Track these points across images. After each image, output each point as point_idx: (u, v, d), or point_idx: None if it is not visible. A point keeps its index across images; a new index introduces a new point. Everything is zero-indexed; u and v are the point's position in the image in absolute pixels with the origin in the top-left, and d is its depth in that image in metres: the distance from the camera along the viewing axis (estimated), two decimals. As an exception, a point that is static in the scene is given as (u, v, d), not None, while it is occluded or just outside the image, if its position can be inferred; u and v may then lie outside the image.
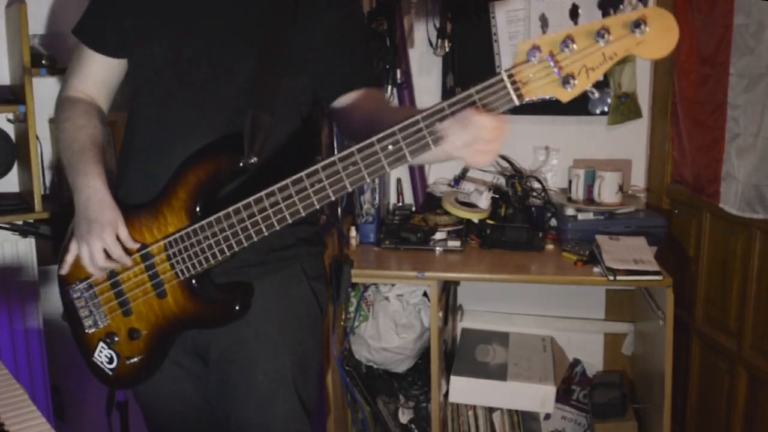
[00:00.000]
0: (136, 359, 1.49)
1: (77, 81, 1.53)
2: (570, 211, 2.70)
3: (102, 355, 1.51)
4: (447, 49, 2.80)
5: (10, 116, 2.26)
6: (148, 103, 1.48)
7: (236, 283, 1.46)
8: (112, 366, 1.51)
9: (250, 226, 1.32)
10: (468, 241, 2.68)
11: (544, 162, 2.92)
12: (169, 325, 1.45)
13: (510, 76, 1.12)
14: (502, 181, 2.90)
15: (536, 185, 2.82)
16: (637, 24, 1.04)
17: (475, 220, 2.69)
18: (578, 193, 2.72)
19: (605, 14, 1.10)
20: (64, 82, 1.55)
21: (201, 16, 1.44)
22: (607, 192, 2.68)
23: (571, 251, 2.49)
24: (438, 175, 2.98)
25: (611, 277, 2.28)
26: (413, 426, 2.75)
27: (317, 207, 1.27)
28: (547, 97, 1.14)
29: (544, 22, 1.10)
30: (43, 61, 2.16)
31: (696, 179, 2.47)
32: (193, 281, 1.42)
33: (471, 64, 2.83)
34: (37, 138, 2.15)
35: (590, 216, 2.67)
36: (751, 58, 2.16)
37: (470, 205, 2.72)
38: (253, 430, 1.53)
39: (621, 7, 1.07)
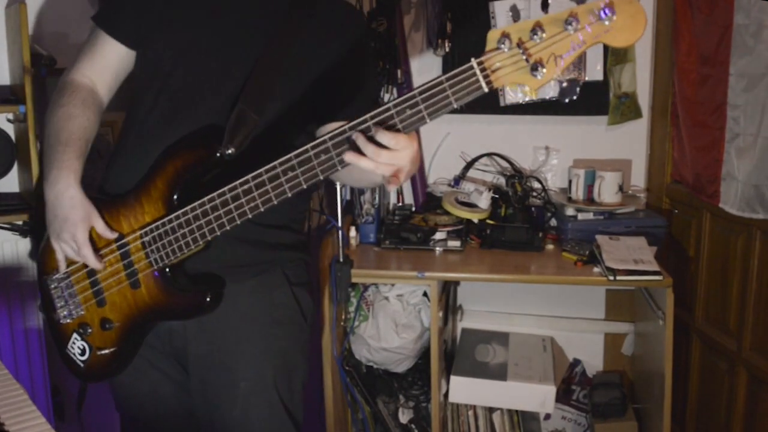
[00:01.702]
0: (107, 351, 1.49)
1: (86, 64, 1.52)
2: (570, 211, 2.70)
3: (75, 346, 1.51)
4: (447, 49, 2.80)
5: (10, 116, 2.26)
6: (148, 96, 1.48)
7: (208, 275, 1.45)
8: (84, 358, 1.51)
9: (223, 215, 1.32)
10: (468, 241, 2.68)
11: (544, 162, 2.92)
12: (141, 315, 1.45)
13: (480, 64, 1.14)
14: (502, 181, 2.90)
15: (536, 185, 2.83)
16: (605, 11, 1.06)
17: (475, 220, 2.69)
18: (578, 193, 2.72)
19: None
20: (72, 63, 1.53)
21: (214, 15, 1.45)
22: (607, 192, 2.68)
23: (571, 251, 2.50)
24: (438, 175, 2.98)
25: (611, 277, 2.28)
26: (413, 426, 2.75)
27: (289, 195, 1.27)
28: (521, 97, 1.15)
29: (515, 13, 1.13)
30: (43, 61, 2.16)
31: (696, 179, 2.47)
32: (167, 270, 1.41)
33: (471, 64, 2.82)
34: (37, 138, 2.15)
35: (590, 216, 2.67)
36: (750, 58, 2.16)
37: (470, 205, 2.72)
38: None
39: None
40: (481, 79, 1.14)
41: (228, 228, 1.33)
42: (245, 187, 1.30)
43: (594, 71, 2.76)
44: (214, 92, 1.43)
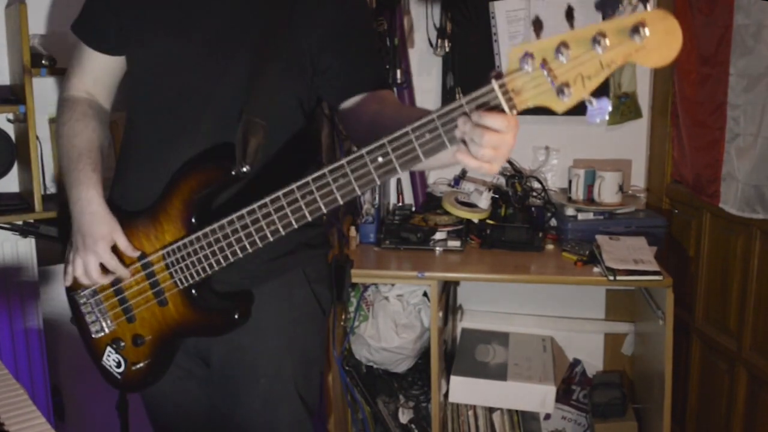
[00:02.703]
0: (141, 364, 1.49)
1: (77, 79, 1.52)
2: (570, 211, 2.70)
3: (110, 359, 1.51)
4: (447, 49, 2.80)
5: (10, 116, 2.26)
6: (144, 105, 1.47)
7: (236, 291, 1.45)
8: (121, 370, 1.51)
9: (244, 238, 1.31)
10: (468, 241, 2.68)
11: (544, 162, 2.92)
12: (171, 331, 1.45)
13: (502, 86, 1.05)
14: (502, 181, 2.90)
15: (536, 185, 2.83)
16: (636, 29, 0.95)
17: (475, 220, 2.69)
18: (578, 193, 2.72)
19: (604, 16, 1.02)
20: (64, 81, 1.53)
21: (199, 16, 1.41)
22: (607, 192, 2.68)
23: (571, 251, 2.49)
24: (438, 175, 2.98)
25: (611, 277, 2.28)
26: (413, 426, 2.75)
27: (309, 219, 1.25)
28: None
29: (538, 24, 1.02)
30: (43, 61, 2.15)
31: (696, 179, 2.47)
32: (193, 290, 1.41)
33: (471, 64, 2.83)
34: (37, 138, 2.15)
35: (590, 216, 2.67)
36: (750, 58, 2.16)
37: (470, 205, 2.72)
38: (257, 430, 1.53)
39: (620, 8, 0.99)
40: (503, 102, 1.06)
41: (250, 251, 1.32)
42: (264, 211, 1.27)
43: (594, 71, 2.76)
44: (212, 99, 1.40)
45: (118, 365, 1.51)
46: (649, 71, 2.83)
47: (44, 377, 2.30)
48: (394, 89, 2.82)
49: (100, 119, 1.51)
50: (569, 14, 1.02)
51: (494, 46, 2.80)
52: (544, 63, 1.02)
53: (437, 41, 2.81)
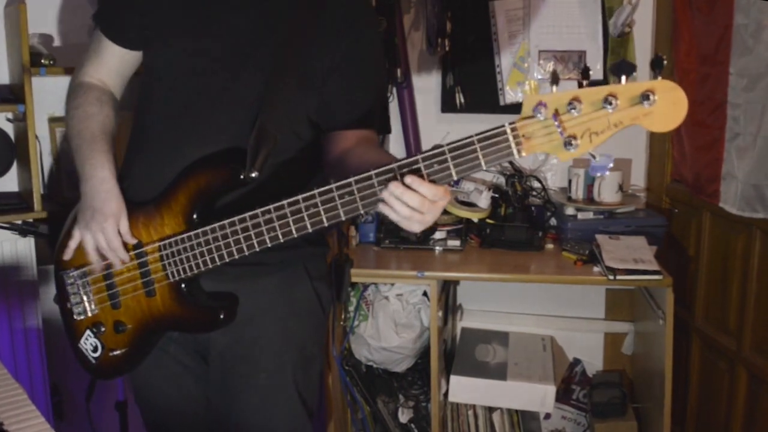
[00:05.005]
0: (119, 352, 1.51)
1: (92, 68, 1.53)
2: (570, 211, 2.70)
3: (88, 342, 1.53)
4: (447, 49, 2.80)
5: (10, 116, 2.26)
6: (159, 102, 1.48)
7: (223, 292, 1.47)
8: (96, 355, 1.53)
9: (242, 240, 1.34)
10: (468, 241, 2.68)
11: (544, 161, 2.92)
12: (154, 323, 1.47)
13: (513, 129, 1.12)
14: (502, 180, 2.90)
15: (536, 184, 2.82)
16: (646, 96, 1.04)
17: (475, 220, 2.69)
18: (578, 192, 2.72)
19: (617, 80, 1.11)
20: (78, 66, 1.54)
21: (220, 21, 1.43)
22: (607, 191, 2.68)
23: (570, 251, 2.49)
24: (438, 175, 2.97)
25: (611, 277, 2.28)
26: (413, 426, 2.75)
27: (310, 230, 1.29)
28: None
29: (555, 78, 1.09)
30: (43, 61, 2.16)
31: (696, 179, 2.47)
32: (182, 285, 1.43)
33: (471, 64, 2.83)
34: (37, 137, 2.15)
35: (590, 215, 2.67)
36: (750, 58, 2.16)
37: (470, 205, 2.72)
38: (254, 428, 1.53)
39: (633, 75, 1.08)
40: (513, 144, 1.13)
41: (246, 253, 1.35)
42: (267, 216, 1.31)
43: (594, 71, 2.76)
44: (229, 102, 1.42)
45: (95, 350, 1.52)
46: (649, 72, 2.82)
47: (44, 377, 2.30)
48: (394, 89, 2.82)
49: (112, 107, 1.52)
50: (554, 79, 1.09)
51: (494, 46, 2.80)
52: (556, 114, 1.09)
53: (437, 41, 2.80)
